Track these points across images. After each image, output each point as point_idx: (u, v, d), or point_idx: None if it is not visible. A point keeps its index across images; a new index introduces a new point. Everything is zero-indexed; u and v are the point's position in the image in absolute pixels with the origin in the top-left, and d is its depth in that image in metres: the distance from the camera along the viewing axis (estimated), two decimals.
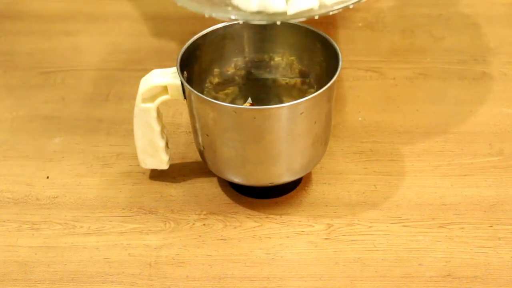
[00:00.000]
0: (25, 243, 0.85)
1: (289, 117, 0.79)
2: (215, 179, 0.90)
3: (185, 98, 0.83)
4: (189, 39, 0.86)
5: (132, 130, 0.86)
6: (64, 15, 1.17)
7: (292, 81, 0.91)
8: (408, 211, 0.86)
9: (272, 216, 0.86)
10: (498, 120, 0.96)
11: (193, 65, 0.86)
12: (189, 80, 0.84)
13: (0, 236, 0.85)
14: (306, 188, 0.89)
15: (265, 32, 0.89)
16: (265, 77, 0.91)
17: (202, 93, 0.84)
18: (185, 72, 0.83)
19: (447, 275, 0.80)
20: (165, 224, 0.86)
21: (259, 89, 0.91)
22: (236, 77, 0.91)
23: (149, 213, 0.87)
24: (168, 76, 0.82)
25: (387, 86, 1.02)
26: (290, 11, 0.77)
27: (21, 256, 0.84)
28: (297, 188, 0.89)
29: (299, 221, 0.86)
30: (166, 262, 0.82)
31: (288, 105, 0.79)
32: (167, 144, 0.88)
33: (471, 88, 1.01)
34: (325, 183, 0.89)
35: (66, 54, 1.10)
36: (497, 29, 1.11)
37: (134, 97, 0.84)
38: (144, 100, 0.83)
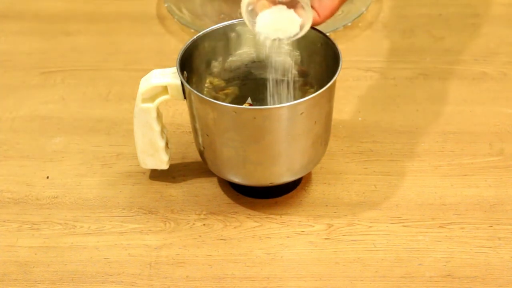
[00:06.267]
0: (25, 243, 0.85)
1: (289, 117, 0.79)
2: (215, 179, 0.90)
3: (185, 98, 0.83)
4: (189, 39, 0.86)
5: (132, 130, 0.86)
6: (64, 15, 1.17)
7: (292, 81, 0.90)
8: (408, 211, 0.86)
9: (272, 216, 0.86)
10: (498, 120, 0.96)
11: (193, 65, 0.86)
12: (189, 80, 0.84)
13: (0, 236, 0.85)
14: (306, 188, 0.89)
15: None
16: (265, 77, 0.91)
17: (202, 93, 0.84)
18: (185, 72, 0.83)
19: (447, 275, 0.80)
20: (165, 224, 0.86)
21: (259, 89, 0.91)
22: (236, 77, 0.91)
23: (149, 213, 0.87)
24: (168, 76, 0.82)
25: (387, 86, 1.02)
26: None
27: (21, 256, 0.83)
28: (297, 188, 0.89)
29: (299, 221, 0.86)
30: (166, 262, 0.82)
31: (288, 105, 0.79)
32: (167, 144, 0.88)
33: (471, 88, 1.01)
34: (325, 183, 0.89)
35: (66, 54, 1.10)
36: (497, 29, 1.11)
37: (134, 97, 0.84)
38: (144, 100, 0.83)
